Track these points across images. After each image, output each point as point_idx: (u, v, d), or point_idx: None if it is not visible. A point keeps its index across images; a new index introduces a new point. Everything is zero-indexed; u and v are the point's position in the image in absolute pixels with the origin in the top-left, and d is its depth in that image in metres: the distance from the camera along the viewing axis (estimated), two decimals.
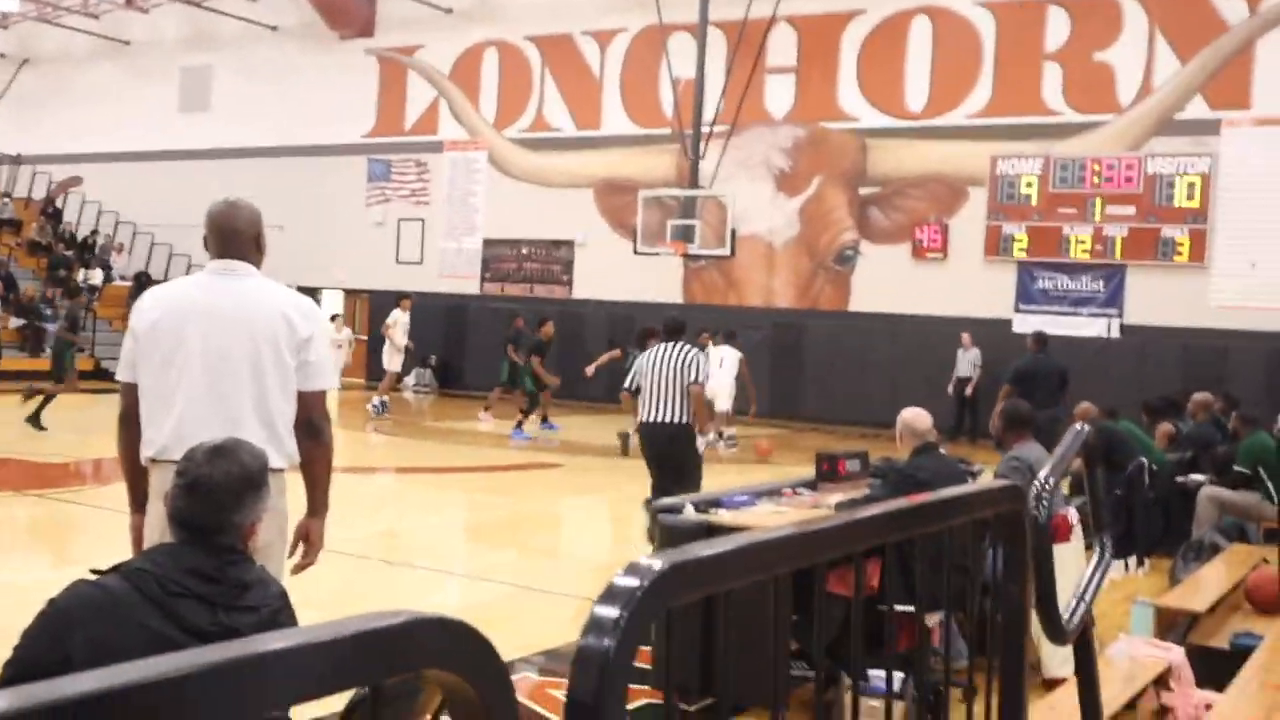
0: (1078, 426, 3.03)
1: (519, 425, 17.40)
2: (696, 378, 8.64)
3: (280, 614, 2.66)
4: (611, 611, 1.16)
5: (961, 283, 20.40)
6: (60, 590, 2.51)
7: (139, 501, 3.90)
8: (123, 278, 27.69)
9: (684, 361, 8.67)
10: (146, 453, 3.76)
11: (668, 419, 8.63)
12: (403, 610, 0.96)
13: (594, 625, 1.16)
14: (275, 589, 2.71)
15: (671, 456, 8.56)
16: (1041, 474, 2.69)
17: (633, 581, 1.20)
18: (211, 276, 3.86)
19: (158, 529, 3.48)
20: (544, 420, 18.27)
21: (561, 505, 12.87)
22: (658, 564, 1.23)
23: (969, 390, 19.27)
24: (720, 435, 16.77)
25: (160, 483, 3.55)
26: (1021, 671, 2.10)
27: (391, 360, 19.97)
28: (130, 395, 3.82)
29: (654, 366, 8.75)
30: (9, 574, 8.10)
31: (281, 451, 3.78)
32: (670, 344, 8.88)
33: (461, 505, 12.70)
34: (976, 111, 20.62)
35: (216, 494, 2.58)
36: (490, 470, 14.70)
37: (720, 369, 16.41)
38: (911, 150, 21.10)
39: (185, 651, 0.84)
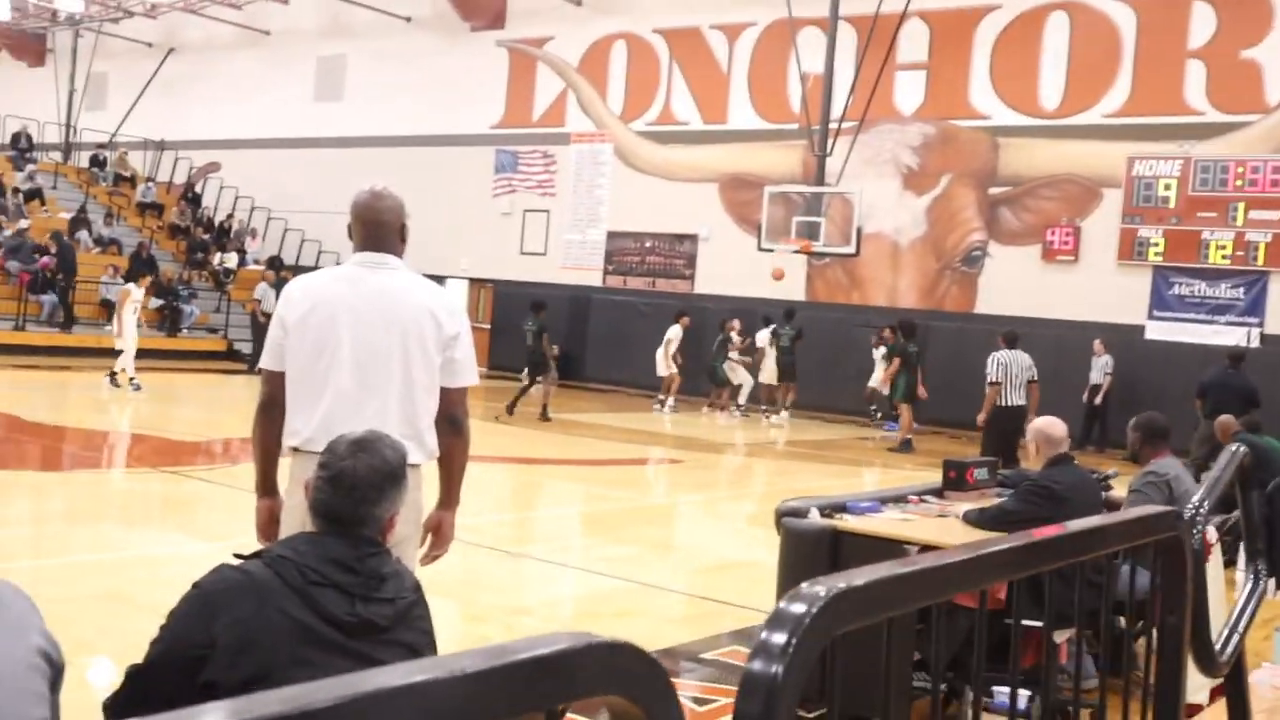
0: (1233, 449, 2.91)
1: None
2: (1034, 377, 13.39)
3: (415, 606, 2.69)
4: (779, 637, 1.14)
5: (1093, 287, 19.90)
6: (204, 573, 2.56)
7: (268, 487, 3.95)
8: (257, 262, 28.40)
9: (1027, 364, 13.31)
10: (291, 442, 3.79)
11: (1018, 403, 13.06)
12: (578, 633, 0.94)
13: (762, 650, 1.13)
14: (410, 581, 2.74)
15: (1019, 430, 11.97)
16: (1196, 498, 2.59)
17: (800, 608, 1.17)
18: (360, 269, 3.87)
19: (299, 516, 3.53)
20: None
21: (679, 500, 12.86)
22: (823, 590, 1.20)
23: (1099, 398, 18.81)
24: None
25: (302, 471, 3.59)
26: (1179, 706, 2.02)
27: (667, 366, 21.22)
28: (275, 383, 3.83)
29: (1008, 366, 13.18)
30: (147, 546, 8.37)
31: (422, 447, 3.81)
32: (1013, 350, 13.44)
33: (581, 497, 12.76)
34: (1114, 110, 20.08)
35: (359, 487, 2.62)
36: (610, 464, 14.76)
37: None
38: (1044, 149, 20.64)
39: (356, 674, 0.83)
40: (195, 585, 2.54)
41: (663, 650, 6.48)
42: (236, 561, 2.59)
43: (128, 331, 17.63)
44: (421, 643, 2.68)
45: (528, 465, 14.37)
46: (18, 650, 2.03)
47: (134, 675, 2.47)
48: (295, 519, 3.59)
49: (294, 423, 3.78)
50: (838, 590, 1.20)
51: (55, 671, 2.12)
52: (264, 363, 3.89)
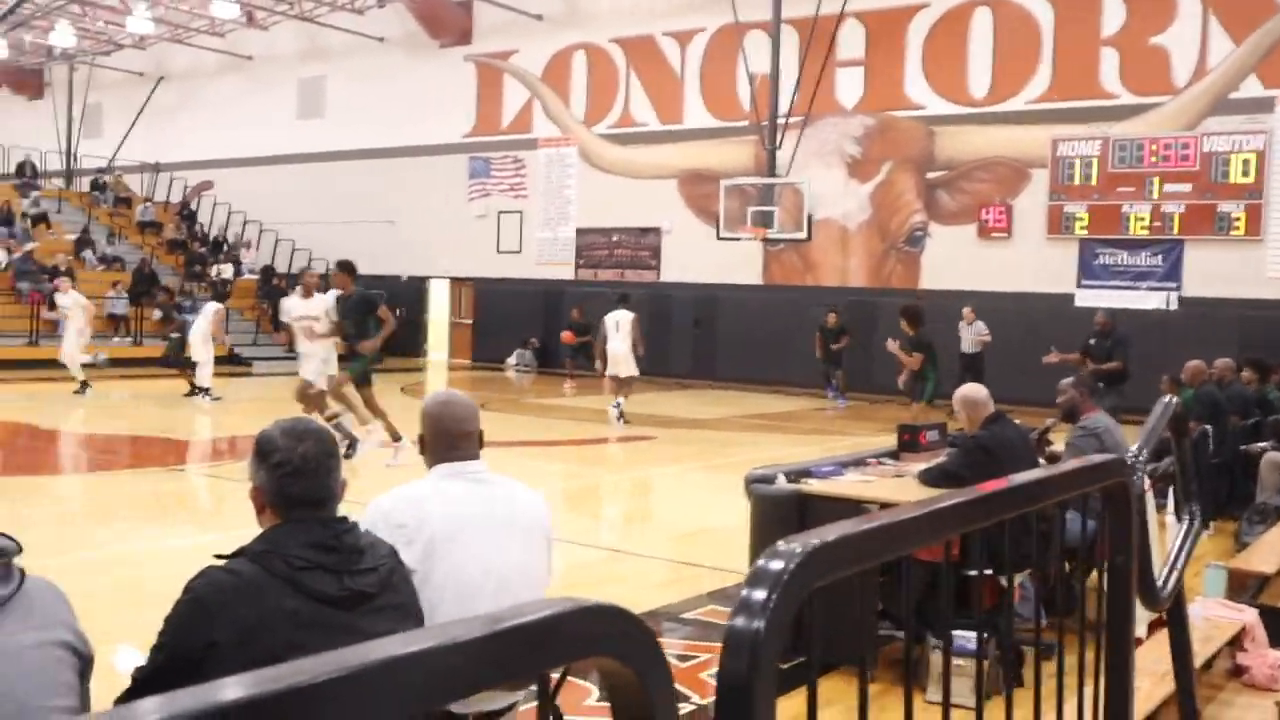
0: (1166, 399, 2.89)
1: None
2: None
3: (395, 570, 2.63)
4: (760, 594, 1.10)
5: (1025, 260, 19.98)
6: (195, 575, 2.47)
7: None
8: (251, 271, 28.17)
9: None
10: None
11: None
12: (563, 598, 0.90)
13: (743, 607, 1.09)
14: (384, 548, 2.67)
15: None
16: (1135, 446, 2.57)
17: (778, 564, 1.13)
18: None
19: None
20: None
21: (652, 473, 12.83)
22: (799, 547, 1.16)
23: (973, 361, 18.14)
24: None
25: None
26: (1130, 643, 2.00)
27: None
28: None
29: None
30: (159, 540, 8.28)
31: None
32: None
33: (560, 475, 12.70)
34: (1037, 97, 20.13)
35: (320, 470, 2.54)
36: (586, 443, 14.71)
37: (616, 332, 15.81)
38: (976, 135, 20.68)
39: (348, 649, 0.78)
40: (187, 590, 2.42)
41: (645, 612, 6.45)
42: (220, 562, 2.50)
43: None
44: (409, 602, 2.63)
45: (509, 448, 14.30)
46: (47, 643, 1.98)
47: (141, 683, 2.39)
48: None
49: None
50: (813, 546, 1.16)
51: (84, 662, 2.06)
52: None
